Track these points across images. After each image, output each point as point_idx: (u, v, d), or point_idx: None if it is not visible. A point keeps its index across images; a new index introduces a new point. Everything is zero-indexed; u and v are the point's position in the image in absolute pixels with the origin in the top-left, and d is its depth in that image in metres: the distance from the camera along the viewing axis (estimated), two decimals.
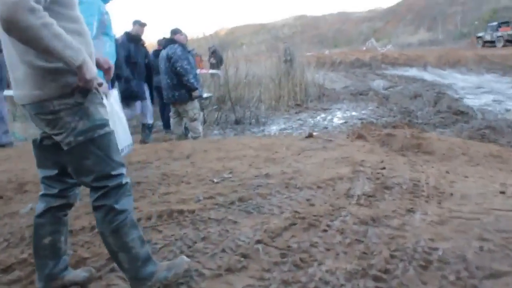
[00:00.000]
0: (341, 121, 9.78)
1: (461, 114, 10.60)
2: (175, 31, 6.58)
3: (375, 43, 42.42)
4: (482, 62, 27.45)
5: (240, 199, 3.29)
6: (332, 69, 26.98)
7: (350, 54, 36.06)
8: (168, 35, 6.70)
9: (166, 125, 8.02)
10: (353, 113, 10.94)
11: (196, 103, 6.54)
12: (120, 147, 2.78)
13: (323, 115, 10.81)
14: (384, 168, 3.91)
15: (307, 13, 77.81)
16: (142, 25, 7.18)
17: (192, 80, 6.51)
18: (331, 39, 54.88)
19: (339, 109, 11.75)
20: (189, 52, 6.65)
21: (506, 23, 37.89)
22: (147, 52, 7.61)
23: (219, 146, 5.25)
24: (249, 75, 13.12)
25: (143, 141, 7.27)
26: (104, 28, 3.25)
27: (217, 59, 15.60)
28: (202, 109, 9.66)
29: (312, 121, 9.88)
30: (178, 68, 6.29)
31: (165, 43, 6.77)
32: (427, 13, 52.12)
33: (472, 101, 13.51)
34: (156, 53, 7.82)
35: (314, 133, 5.61)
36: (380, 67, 29.31)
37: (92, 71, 1.86)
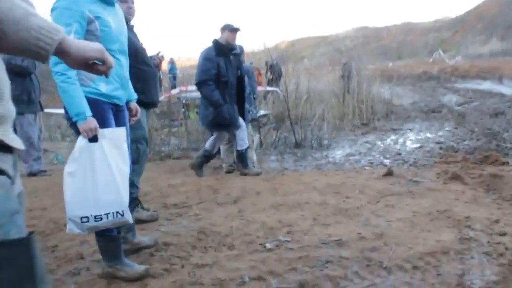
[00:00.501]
0: (416, 145, 8.53)
1: None
2: None
3: (442, 55, 40.18)
4: None
5: (302, 285, 2.29)
6: (398, 83, 25.48)
7: (415, 66, 34.22)
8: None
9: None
10: (428, 135, 9.64)
11: (249, 128, 5.60)
12: (96, 212, 2.26)
13: (393, 137, 9.59)
14: (505, 234, 2.78)
15: (369, 25, 75.97)
16: (234, 30, 5.54)
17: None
18: (394, 51, 52.82)
19: (410, 129, 10.47)
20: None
21: None
22: (240, 62, 5.98)
23: (275, 185, 4.26)
24: (310, 91, 12.11)
25: (243, 173, 5.58)
26: (96, 39, 2.32)
27: (274, 75, 14.73)
28: (258, 128, 8.75)
29: (382, 145, 8.70)
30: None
31: None
32: (500, 21, 48.97)
33: None
34: None
35: (394, 169, 4.49)
36: (449, 80, 27.40)
37: None
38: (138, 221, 3.39)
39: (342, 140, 9.26)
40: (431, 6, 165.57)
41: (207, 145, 5.75)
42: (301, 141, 8.52)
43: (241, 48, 6.08)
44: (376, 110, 12.88)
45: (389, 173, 4.33)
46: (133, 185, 3.40)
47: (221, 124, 5.44)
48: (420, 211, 3.30)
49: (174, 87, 20.07)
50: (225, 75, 5.39)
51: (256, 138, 7.93)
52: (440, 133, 9.75)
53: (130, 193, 3.22)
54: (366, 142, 9.11)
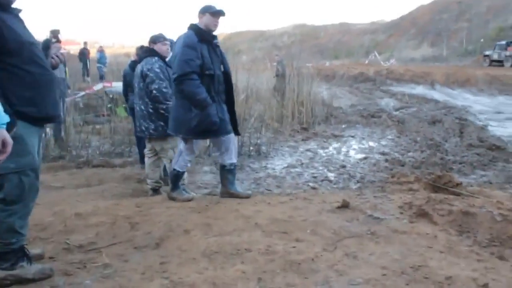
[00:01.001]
0: (360, 156, 8.01)
1: (497, 149, 8.90)
2: (155, 39, 4.79)
3: (378, 57, 40.87)
4: (493, 82, 25.89)
5: None
6: (335, 84, 25.32)
7: (352, 67, 34.44)
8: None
9: (142, 159, 6.03)
10: (371, 144, 9.18)
11: (179, 140, 4.74)
12: None
13: (335, 145, 9.05)
14: None
15: (307, 22, 76.37)
16: (217, 14, 4.26)
17: None
18: (331, 50, 53.33)
19: (352, 136, 9.99)
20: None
21: None
22: (223, 54, 4.58)
23: (209, 219, 3.42)
24: (248, 89, 11.31)
25: (228, 194, 4.48)
26: None
27: None
28: None
29: (324, 154, 8.10)
30: (154, 92, 4.51)
31: (141, 54, 4.97)
32: (431, 28, 50.70)
33: (498, 129, 11.82)
34: (133, 65, 5.92)
35: (349, 200, 3.79)
36: (385, 82, 27.64)
37: None
38: (24, 281, 2.49)
39: (282, 147, 8.57)
40: (367, 9, 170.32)
41: (173, 163, 4.43)
42: (238, 148, 7.73)
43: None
44: (316, 112, 12.34)
45: (345, 205, 3.63)
46: (12, 231, 2.48)
47: (209, 130, 4.14)
48: (390, 267, 2.62)
49: (102, 78, 18.56)
50: (210, 67, 4.15)
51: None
52: (383, 142, 9.32)
53: (9, 243, 2.32)
54: (308, 150, 8.49)
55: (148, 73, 4.55)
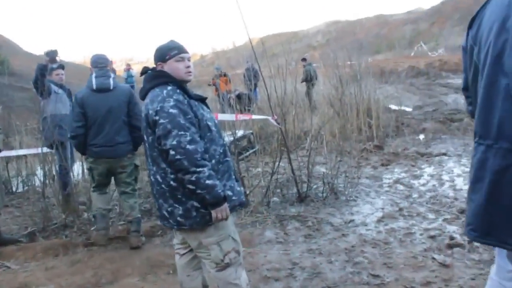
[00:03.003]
0: None
1: None
2: (164, 53, 2.69)
3: (424, 47, 37.92)
4: None
5: None
6: (384, 81, 22.85)
7: (399, 61, 31.75)
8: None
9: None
10: None
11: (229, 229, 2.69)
12: None
13: (429, 170, 6.83)
14: None
15: (340, 19, 73.62)
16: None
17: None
18: (371, 45, 50.41)
19: (445, 154, 7.70)
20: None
21: None
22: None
23: None
24: (294, 99, 9.13)
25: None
26: None
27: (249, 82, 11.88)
28: (237, 156, 5.89)
29: (424, 188, 5.90)
30: (172, 152, 2.42)
31: (144, 83, 2.89)
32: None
33: None
34: None
35: None
36: (440, 75, 24.98)
37: None
38: None
39: (360, 179, 6.40)
40: None
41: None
42: (306, 191, 5.62)
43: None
44: (382, 122, 10.08)
45: None
46: None
47: None
48: None
49: None
50: None
51: None
52: None
53: None
54: (397, 182, 6.30)
55: (156, 118, 2.51)
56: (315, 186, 5.97)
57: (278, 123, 5.50)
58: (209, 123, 2.67)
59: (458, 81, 22.38)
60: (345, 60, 12.35)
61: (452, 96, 16.58)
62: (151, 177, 2.74)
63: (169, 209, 2.65)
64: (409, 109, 13.40)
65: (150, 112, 2.58)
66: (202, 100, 2.80)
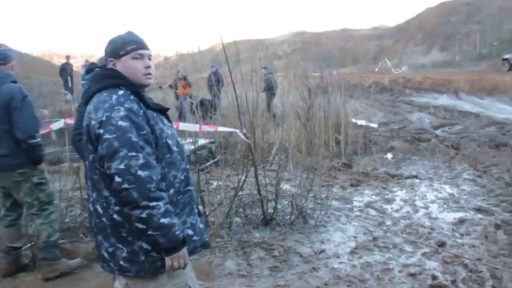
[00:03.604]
0: (451, 217, 5.41)
1: None
2: (117, 47, 2.10)
3: (389, 64, 38.30)
4: None
5: None
6: (350, 95, 22.67)
7: (363, 75, 31.80)
8: None
9: None
10: (449, 190, 6.60)
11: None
12: None
13: (402, 194, 6.45)
14: None
15: (307, 29, 73.89)
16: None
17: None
18: (336, 58, 50.67)
19: (416, 177, 7.34)
20: None
21: None
22: None
23: None
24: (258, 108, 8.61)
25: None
26: None
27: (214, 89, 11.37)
28: (197, 167, 5.30)
29: (397, 214, 5.49)
30: (117, 179, 1.86)
31: (90, 83, 2.30)
32: (440, 32, 48.18)
33: None
34: None
35: None
36: (404, 92, 25.07)
37: None
38: None
39: (328, 200, 5.91)
40: (369, 14, 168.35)
41: None
42: (272, 213, 5.09)
43: None
44: (350, 137, 9.69)
45: None
46: None
47: None
48: None
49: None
50: None
51: None
52: (464, 187, 6.71)
53: None
54: (368, 205, 5.87)
55: (100, 131, 1.93)
56: (281, 207, 5.45)
57: (247, 138, 4.91)
58: (170, 142, 2.08)
59: (421, 99, 22.50)
60: (310, 71, 12.04)
61: (416, 115, 16.51)
62: (90, 206, 2.13)
63: (110, 249, 2.05)
64: (374, 125, 13.11)
65: (93, 123, 1.97)
66: (163, 111, 2.19)
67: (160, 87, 14.76)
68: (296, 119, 10.11)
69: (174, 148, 2.10)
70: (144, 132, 1.94)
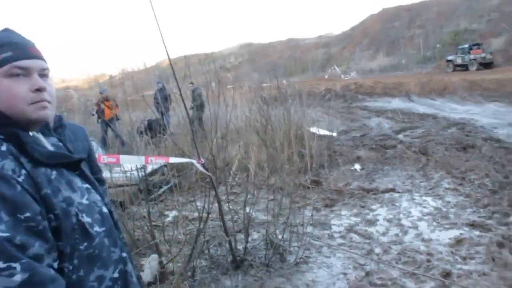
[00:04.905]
0: (446, 236, 4.73)
1: None
2: None
3: (338, 70, 38.36)
4: (473, 89, 23.64)
5: None
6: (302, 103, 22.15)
7: (314, 83, 31.57)
8: None
9: None
10: (432, 203, 5.94)
11: None
12: None
13: (384, 213, 5.73)
14: None
15: (253, 41, 73.74)
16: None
17: None
18: (283, 67, 50.53)
19: (393, 190, 6.68)
20: None
21: (477, 45, 35.18)
22: None
23: None
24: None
25: None
26: None
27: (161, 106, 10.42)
28: (146, 196, 4.37)
29: (386, 239, 4.76)
30: None
31: None
32: (384, 37, 49.03)
33: None
34: None
35: None
36: (357, 98, 24.90)
37: None
38: None
39: (304, 227, 5.11)
40: (314, 23, 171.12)
41: None
42: (244, 253, 4.21)
43: None
44: (316, 150, 8.98)
45: None
46: None
47: None
48: None
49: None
50: None
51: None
52: (449, 198, 6.08)
53: None
54: (349, 230, 5.10)
55: None
56: (251, 240, 4.59)
57: (207, 169, 3.99)
58: (86, 219, 1.16)
59: (375, 104, 22.32)
60: (260, 81, 11.46)
61: (375, 120, 16.13)
62: None
63: None
64: (334, 134, 12.51)
65: None
66: (73, 164, 1.24)
67: (93, 114, 13.51)
68: (254, 133, 9.30)
69: (96, 229, 1.19)
70: (28, 214, 1.04)
